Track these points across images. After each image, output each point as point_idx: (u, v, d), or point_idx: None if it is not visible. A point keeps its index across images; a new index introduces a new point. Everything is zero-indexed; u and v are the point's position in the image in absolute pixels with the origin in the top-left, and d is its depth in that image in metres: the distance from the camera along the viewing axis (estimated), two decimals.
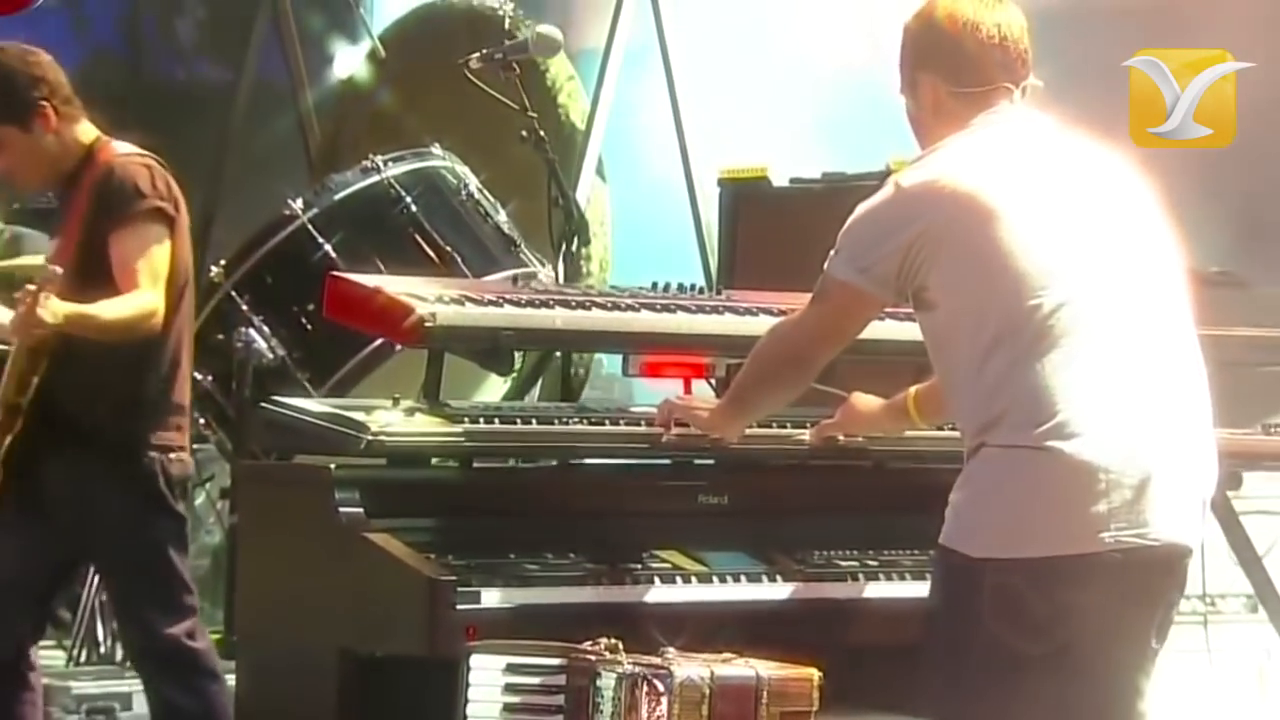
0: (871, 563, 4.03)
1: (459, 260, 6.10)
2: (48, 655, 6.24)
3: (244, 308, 6.04)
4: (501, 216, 6.32)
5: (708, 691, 3.48)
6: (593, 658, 3.41)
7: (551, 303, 4.10)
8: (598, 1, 8.01)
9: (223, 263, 6.14)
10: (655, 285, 4.30)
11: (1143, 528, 3.48)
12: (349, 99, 8.04)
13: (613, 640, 3.38)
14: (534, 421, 3.93)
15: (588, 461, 4.14)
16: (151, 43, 12.26)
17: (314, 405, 3.94)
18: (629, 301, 4.18)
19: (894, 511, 4.05)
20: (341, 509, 3.69)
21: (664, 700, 3.47)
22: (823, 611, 3.95)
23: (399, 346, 5.32)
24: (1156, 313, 3.61)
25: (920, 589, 3.85)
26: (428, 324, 3.90)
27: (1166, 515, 3.51)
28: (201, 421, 6.47)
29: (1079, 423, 3.45)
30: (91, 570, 6.16)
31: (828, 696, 3.66)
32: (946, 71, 3.69)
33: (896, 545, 4.09)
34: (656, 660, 3.46)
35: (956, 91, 3.69)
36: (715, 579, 3.84)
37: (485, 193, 6.33)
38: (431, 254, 6.09)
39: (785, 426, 4.07)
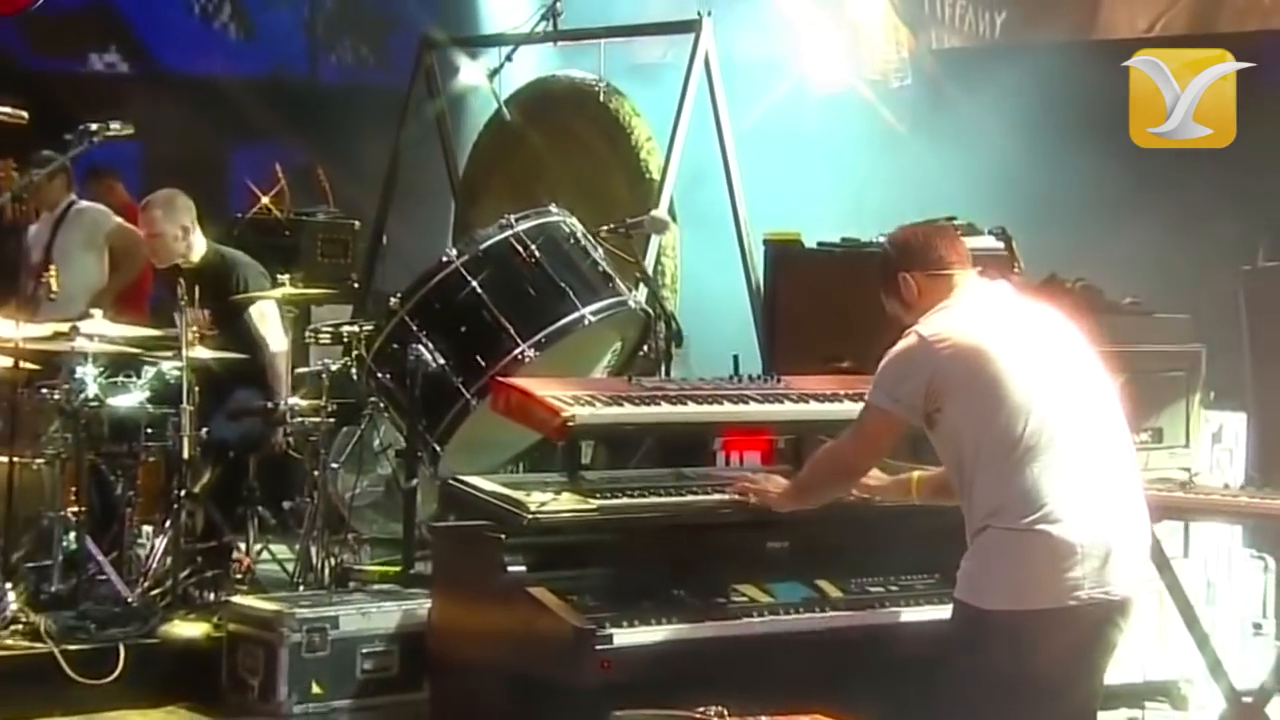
0: (894, 588, 3.95)
1: (570, 293, 6.03)
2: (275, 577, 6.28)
3: (414, 328, 5.97)
4: (600, 254, 6.23)
5: None
6: None
7: (658, 399, 4.04)
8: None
9: (399, 294, 6.08)
10: (732, 376, 4.22)
11: (1107, 586, 3.57)
12: (483, 146, 7.92)
13: (720, 708, 3.27)
14: (647, 494, 3.86)
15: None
16: (324, 58, 12.06)
17: (486, 484, 3.89)
18: (713, 394, 4.12)
19: (913, 548, 3.90)
20: (509, 568, 3.66)
21: None
22: (862, 629, 3.89)
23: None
24: (1102, 427, 3.70)
25: (934, 611, 3.79)
26: (570, 424, 3.84)
27: (1122, 575, 3.60)
28: (382, 406, 6.46)
29: (1059, 512, 3.53)
30: (310, 511, 6.17)
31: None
32: (924, 264, 3.76)
33: (916, 571, 4.02)
34: None
35: (934, 274, 3.75)
36: (782, 610, 3.78)
37: (589, 238, 6.23)
38: (547, 289, 6.01)
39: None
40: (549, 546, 3.72)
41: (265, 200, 9.32)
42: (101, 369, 6.14)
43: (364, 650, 5.63)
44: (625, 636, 3.54)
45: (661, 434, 4.01)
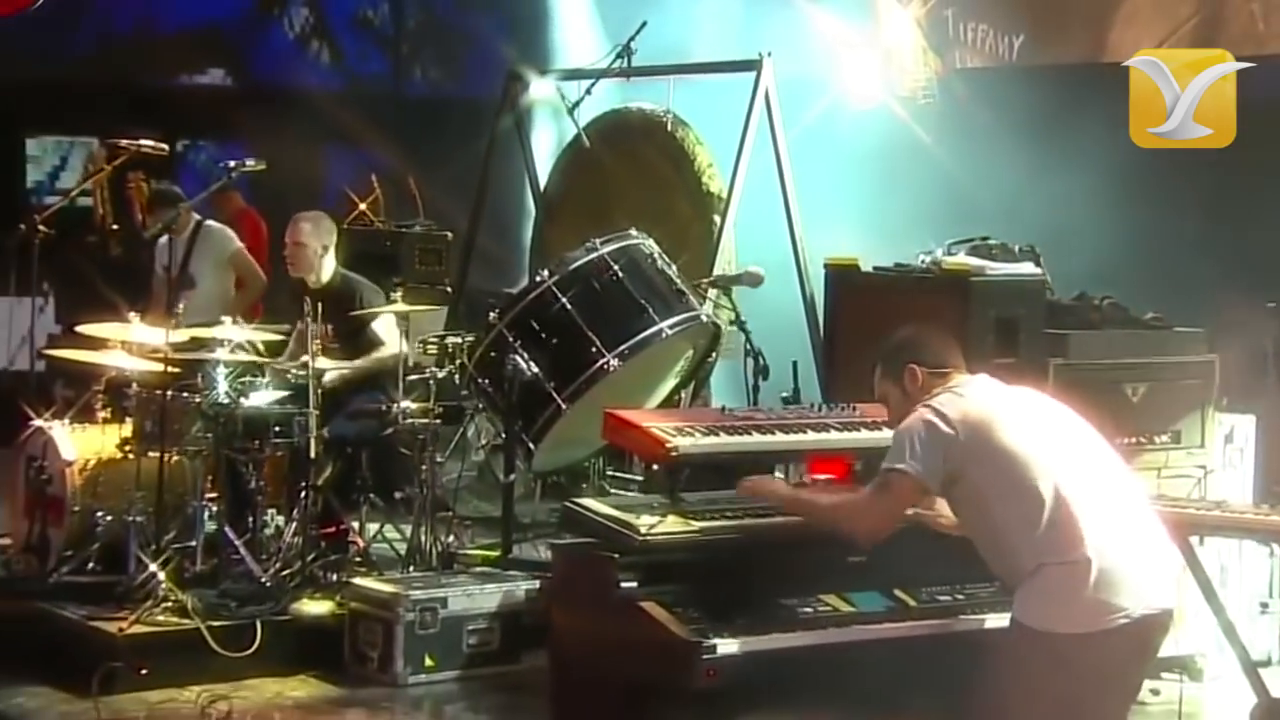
0: (960, 597, 3.95)
1: (649, 309, 6.05)
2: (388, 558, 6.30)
3: (511, 340, 6.02)
4: (674, 271, 6.24)
5: None
6: None
7: (749, 429, 4.05)
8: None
9: (498, 310, 6.11)
10: (812, 406, 4.23)
11: (1149, 601, 3.58)
12: (562, 167, 7.92)
13: None
14: (742, 516, 3.87)
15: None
16: (407, 75, 12.01)
17: (600, 507, 3.86)
18: (797, 423, 4.13)
19: (975, 559, 3.85)
20: (622, 584, 3.66)
21: None
22: (933, 635, 3.89)
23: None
24: (1108, 471, 3.73)
25: (997, 619, 3.77)
26: (674, 453, 3.86)
27: (1158, 591, 3.61)
28: (480, 408, 6.50)
29: (1098, 547, 3.54)
30: (418, 501, 6.21)
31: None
32: (931, 361, 3.79)
33: (978, 580, 3.98)
34: None
35: (936, 371, 3.77)
36: (864, 619, 3.78)
37: (664, 258, 6.25)
38: (629, 305, 6.03)
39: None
40: (656, 564, 3.71)
41: (363, 206, 9.35)
42: (231, 373, 6.19)
43: (469, 627, 5.70)
44: (727, 646, 3.55)
45: (751, 461, 3.98)
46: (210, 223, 7.30)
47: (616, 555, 3.68)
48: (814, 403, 4.34)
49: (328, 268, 6.58)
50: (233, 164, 6.22)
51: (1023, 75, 8.69)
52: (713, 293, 6.21)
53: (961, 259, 5.64)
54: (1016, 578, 3.57)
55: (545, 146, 8.52)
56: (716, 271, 6.71)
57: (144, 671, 5.41)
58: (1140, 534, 3.63)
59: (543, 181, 8.01)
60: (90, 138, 11.50)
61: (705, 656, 3.51)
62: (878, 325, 5.64)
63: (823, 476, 4.43)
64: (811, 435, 4.09)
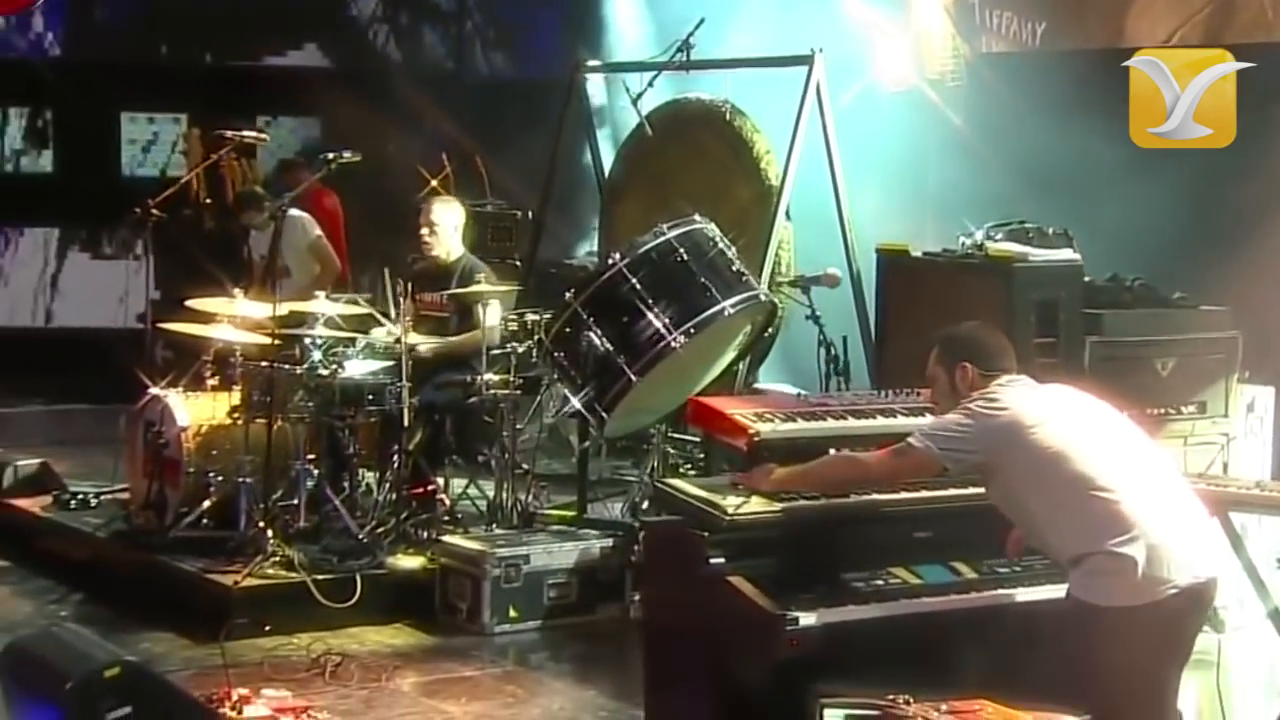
0: (1017, 569, 3.94)
1: (712, 289, 6.01)
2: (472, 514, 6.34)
3: (585, 318, 5.97)
4: (733, 253, 6.20)
5: None
6: (896, 713, 3.26)
7: (824, 414, 4.04)
8: None
9: (573, 290, 6.10)
10: (881, 393, 4.22)
11: (1196, 573, 3.57)
12: (626, 153, 7.86)
13: (907, 696, 3.29)
14: (818, 496, 3.86)
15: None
16: (470, 52, 11.94)
17: (689, 488, 3.86)
18: (867, 408, 4.13)
19: None
20: (711, 560, 3.66)
21: None
22: (994, 605, 3.88)
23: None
24: (1145, 455, 3.72)
25: (1052, 590, 3.73)
26: (756, 439, 3.87)
27: (1203, 562, 3.62)
28: (556, 377, 6.49)
29: (1148, 529, 3.53)
30: (500, 465, 6.23)
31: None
32: (984, 363, 3.75)
33: (1031, 553, 3.93)
34: (935, 716, 3.26)
35: (987, 373, 3.74)
36: (930, 590, 3.78)
37: (725, 240, 6.20)
38: (694, 285, 6.00)
39: (966, 487, 3.94)
40: (741, 541, 3.71)
41: (434, 183, 9.33)
42: (325, 345, 6.22)
43: (549, 581, 5.78)
44: (807, 618, 3.56)
45: (829, 446, 3.98)
46: (292, 212, 7.32)
47: (706, 533, 3.68)
48: (880, 389, 4.33)
49: (457, 247, 6.60)
50: (331, 155, 6.22)
51: (1045, 60, 8.60)
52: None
53: (1005, 245, 5.61)
54: (1064, 561, 3.58)
55: (608, 133, 8.45)
56: (770, 257, 6.68)
57: (268, 628, 5.49)
58: (1180, 510, 3.63)
59: (606, 165, 7.96)
60: (180, 114, 11.59)
61: (789, 628, 3.52)
62: (926, 306, 5.66)
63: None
64: (880, 420, 4.09)
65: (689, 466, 6.75)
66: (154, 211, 6.76)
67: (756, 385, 7.04)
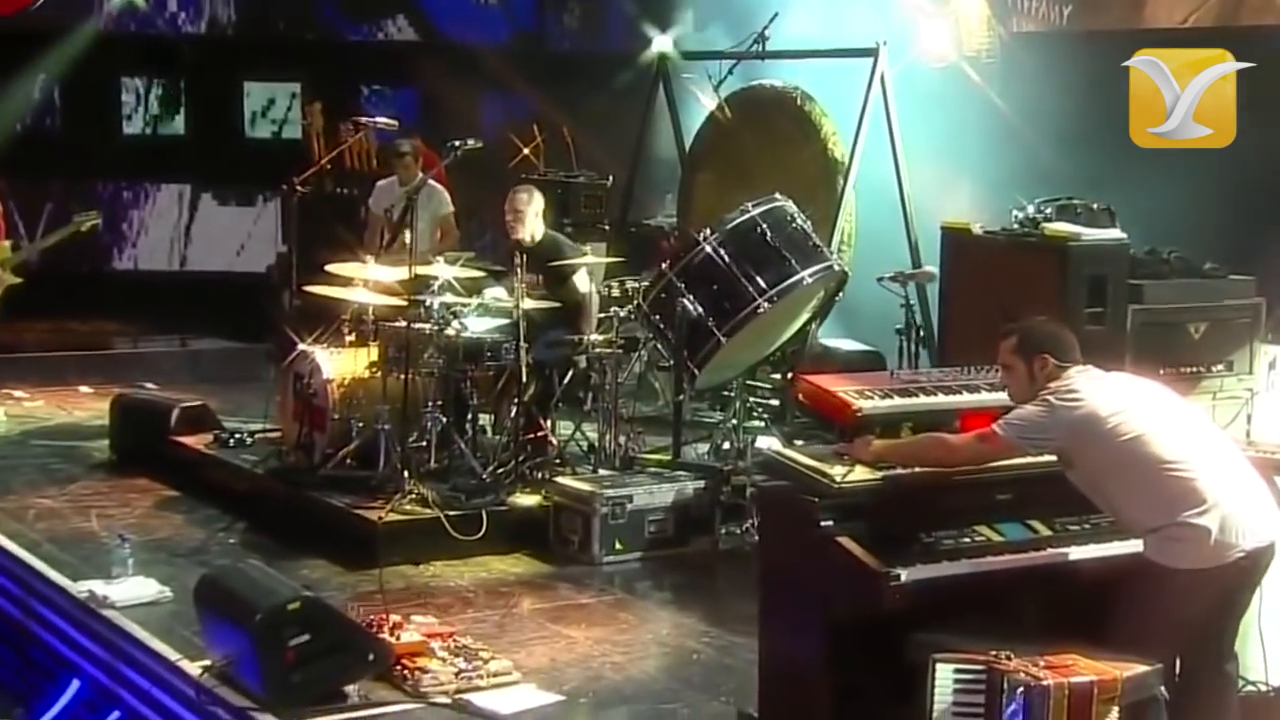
0: (1087, 526, 3.84)
1: (792, 260, 5.99)
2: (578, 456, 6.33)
3: (680, 286, 5.99)
4: (810, 227, 6.16)
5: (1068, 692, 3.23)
6: (1000, 668, 3.23)
7: (916, 391, 4.02)
8: None
9: (668, 261, 6.08)
10: (964, 369, 4.18)
11: (1260, 537, 3.55)
12: (705, 133, 7.79)
13: (1006, 653, 3.28)
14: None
15: None
16: (552, 26, 11.77)
17: (799, 456, 3.81)
18: (953, 384, 4.10)
19: None
20: (822, 523, 3.64)
21: (1049, 704, 3.20)
22: (1066, 561, 3.80)
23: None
24: (1208, 433, 3.67)
25: (1122, 546, 3.69)
26: (859, 414, 3.85)
27: (1265, 527, 3.58)
28: (651, 339, 6.49)
29: (1220, 500, 3.50)
30: (603, 414, 6.23)
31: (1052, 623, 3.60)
32: (1061, 355, 3.67)
33: (1096, 512, 3.83)
34: (1035, 670, 3.23)
35: (1062, 365, 3.66)
36: (1013, 547, 3.73)
37: (802, 215, 6.16)
38: (776, 257, 5.97)
39: (1042, 455, 3.87)
40: (847, 505, 3.68)
41: (526, 150, 9.24)
42: (447, 306, 6.22)
43: (650, 518, 5.80)
44: (908, 574, 3.55)
45: (919, 420, 3.95)
46: (433, 183, 7.27)
47: (816, 499, 3.68)
48: (945, 357, 4.30)
49: (539, 229, 6.57)
50: (457, 142, 6.19)
51: (1071, 39, 8.40)
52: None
53: (1060, 226, 5.54)
54: (1140, 531, 3.56)
55: (689, 113, 8.35)
56: (839, 228, 6.64)
57: (419, 564, 5.54)
58: (1243, 480, 3.59)
59: (687, 142, 7.90)
60: (293, 84, 11.58)
61: (892, 583, 3.52)
62: (987, 281, 5.61)
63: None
64: (966, 396, 4.06)
65: (763, 411, 6.76)
66: (299, 188, 6.77)
67: (822, 341, 7.05)
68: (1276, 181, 6.67)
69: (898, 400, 3.97)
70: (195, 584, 4.66)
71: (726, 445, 6.36)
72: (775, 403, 6.96)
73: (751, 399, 6.66)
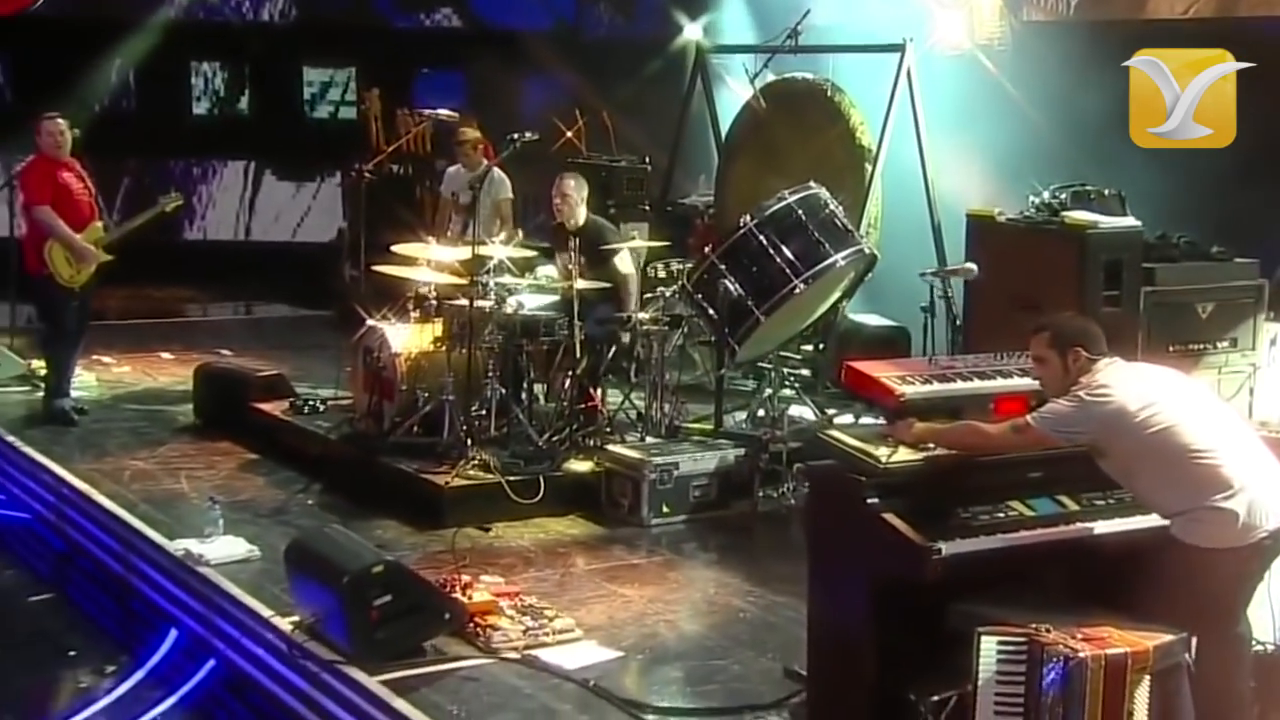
0: (1112, 500, 3.80)
1: (826, 244, 5.95)
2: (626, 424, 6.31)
3: (722, 268, 5.95)
4: (842, 213, 6.10)
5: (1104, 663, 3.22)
6: (1040, 640, 3.20)
7: (954, 376, 4.00)
8: None
9: (711, 245, 6.04)
10: (997, 355, 4.15)
11: (1277, 521, 3.49)
12: (741, 122, 7.69)
13: (1046, 625, 3.27)
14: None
15: None
16: (589, 13, 11.65)
17: (847, 438, 3.78)
18: (988, 370, 4.07)
19: None
20: (868, 500, 3.63)
21: (1086, 674, 3.17)
22: (1093, 534, 3.78)
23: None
24: (1226, 420, 3.63)
25: (1144, 520, 3.66)
26: (902, 399, 3.83)
27: None
28: (693, 315, 6.46)
29: (1246, 484, 3.48)
30: (649, 385, 6.20)
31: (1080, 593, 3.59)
32: (1092, 349, 3.64)
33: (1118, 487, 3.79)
34: (1073, 642, 3.20)
35: (1093, 357, 3.64)
36: (1041, 524, 3.71)
37: (835, 201, 6.10)
38: (811, 241, 5.92)
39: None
40: (891, 484, 3.66)
41: (569, 134, 9.17)
42: (504, 286, 6.20)
43: (694, 484, 5.81)
44: (948, 548, 3.53)
45: (958, 404, 3.93)
46: (496, 170, 7.22)
47: (863, 478, 3.67)
48: (970, 339, 4.25)
49: (582, 214, 6.53)
50: (516, 135, 6.14)
51: (1078, 28, 8.27)
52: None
53: (1078, 214, 5.47)
54: (1170, 514, 3.54)
55: (721, 98, 8.27)
56: (867, 212, 6.58)
57: (487, 528, 5.57)
58: (1264, 464, 3.56)
59: (722, 125, 7.81)
60: (349, 68, 11.54)
61: (934, 556, 3.50)
62: (1009, 266, 5.55)
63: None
64: (1001, 381, 4.03)
65: (795, 381, 6.74)
66: (366, 174, 6.76)
67: (850, 317, 7.01)
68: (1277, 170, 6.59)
69: (937, 385, 3.94)
70: (285, 547, 4.70)
71: (762, 413, 6.36)
72: (807, 373, 6.94)
73: (785, 370, 6.64)
